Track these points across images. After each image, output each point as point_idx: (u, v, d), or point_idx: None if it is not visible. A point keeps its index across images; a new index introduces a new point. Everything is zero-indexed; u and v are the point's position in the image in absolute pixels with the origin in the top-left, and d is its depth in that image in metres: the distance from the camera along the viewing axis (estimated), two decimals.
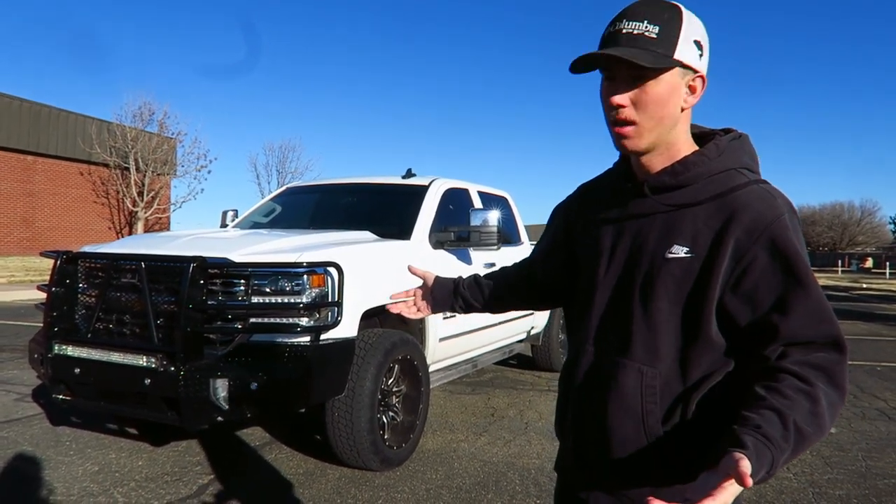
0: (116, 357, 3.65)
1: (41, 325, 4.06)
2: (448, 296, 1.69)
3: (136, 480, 3.76)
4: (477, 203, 5.84)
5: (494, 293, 1.70)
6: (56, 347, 3.82)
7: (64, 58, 61.93)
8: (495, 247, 5.01)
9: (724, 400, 1.20)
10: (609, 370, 1.28)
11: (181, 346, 3.44)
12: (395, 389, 4.18)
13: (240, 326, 3.57)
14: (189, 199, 26.93)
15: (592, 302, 1.34)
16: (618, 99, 1.20)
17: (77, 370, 3.74)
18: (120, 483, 3.71)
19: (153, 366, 3.51)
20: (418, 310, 1.71)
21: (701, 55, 1.22)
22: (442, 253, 4.91)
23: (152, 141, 24.62)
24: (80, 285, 4.01)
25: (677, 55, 1.18)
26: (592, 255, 1.37)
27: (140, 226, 24.51)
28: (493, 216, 4.94)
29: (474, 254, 5.28)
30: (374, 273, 4.14)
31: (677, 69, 1.19)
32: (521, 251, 6.46)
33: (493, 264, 5.57)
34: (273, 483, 3.79)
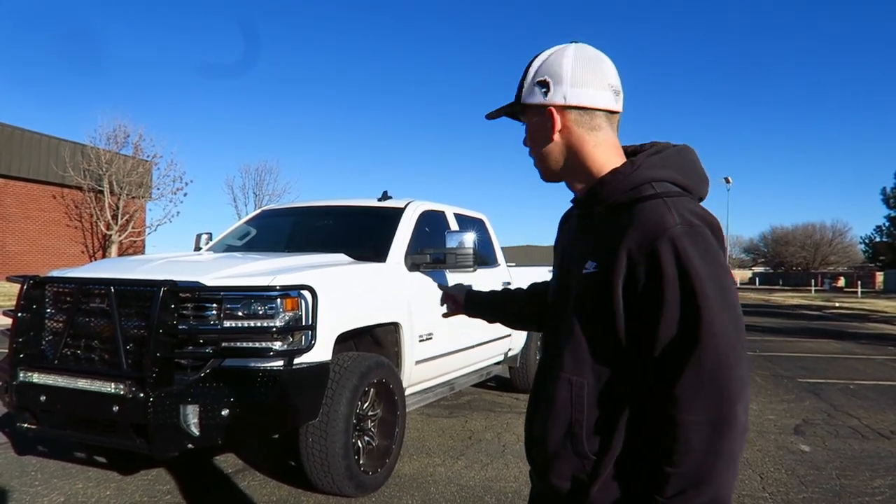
0: (84, 384, 3.57)
1: (6, 351, 3.97)
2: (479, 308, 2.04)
3: None
4: (453, 225, 5.85)
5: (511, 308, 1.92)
6: (21, 375, 3.73)
7: (37, 77, 61.32)
8: (471, 269, 5.01)
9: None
10: (549, 382, 1.36)
11: (150, 372, 3.37)
12: (370, 413, 4.13)
13: (211, 351, 3.51)
14: (165, 222, 26.68)
15: (547, 321, 1.48)
16: (525, 142, 1.43)
17: (43, 398, 3.64)
18: None
19: (122, 392, 3.44)
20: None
21: (546, 92, 1.35)
22: (418, 275, 4.89)
23: (127, 164, 24.38)
24: (48, 310, 3.93)
25: (524, 99, 1.39)
26: (553, 270, 1.54)
27: (114, 249, 24.16)
28: (470, 238, 4.94)
29: (450, 276, 5.27)
30: (349, 296, 4.11)
31: (536, 109, 1.37)
32: (497, 273, 6.47)
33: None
34: None
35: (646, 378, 1.21)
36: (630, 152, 1.38)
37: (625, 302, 1.21)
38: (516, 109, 1.42)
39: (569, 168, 1.38)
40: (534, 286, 1.87)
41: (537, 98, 1.36)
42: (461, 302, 2.07)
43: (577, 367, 1.29)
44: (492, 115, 1.47)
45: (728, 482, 1.14)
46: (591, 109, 1.34)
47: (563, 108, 1.34)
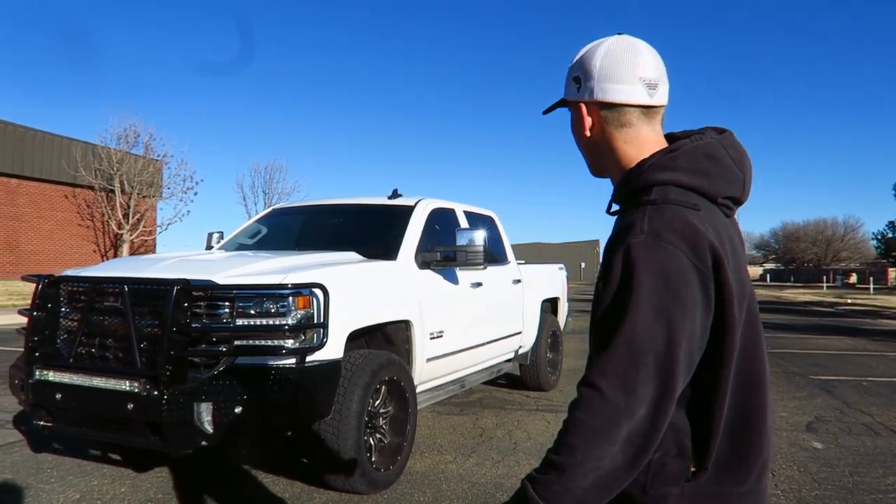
0: (99, 382, 3.61)
1: (22, 350, 4.01)
2: None
3: None
4: (463, 223, 5.86)
5: None
6: (37, 373, 3.77)
7: (49, 78, 61.74)
8: (482, 266, 5.02)
9: None
10: None
11: (164, 370, 3.40)
12: (381, 411, 4.15)
13: (224, 349, 3.54)
14: (175, 221, 26.83)
15: None
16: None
17: (59, 396, 3.68)
18: None
19: (136, 390, 3.47)
20: None
21: (579, 88, 1.33)
22: (428, 273, 4.91)
23: (138, 163, 24.54)
24: (63, 309, 3.97)
25: (564, 95, 1.38)
26: None
27: (125, 248, 24.32)
28: (480, 236, 4.95)
29: (461, 273, 5.28)
30: (360, 294, 4.13)
31: (572, 105, 1.36)
32: (507, 270, 6.47)
33: (479, 283, 5.58)
34: None
35: None
36: (677, 138, 1.33)
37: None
38: (550, 108, 1.42)
39: (604, 164, 1.36)
40: None
41: (572, 94, 1.35)
42: None
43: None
44: (546, 111, 1.45)
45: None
46: (619, 105, 1.29)
47: (593, 105, 1.31)
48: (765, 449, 1.26)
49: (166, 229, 27.20)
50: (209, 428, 3.39)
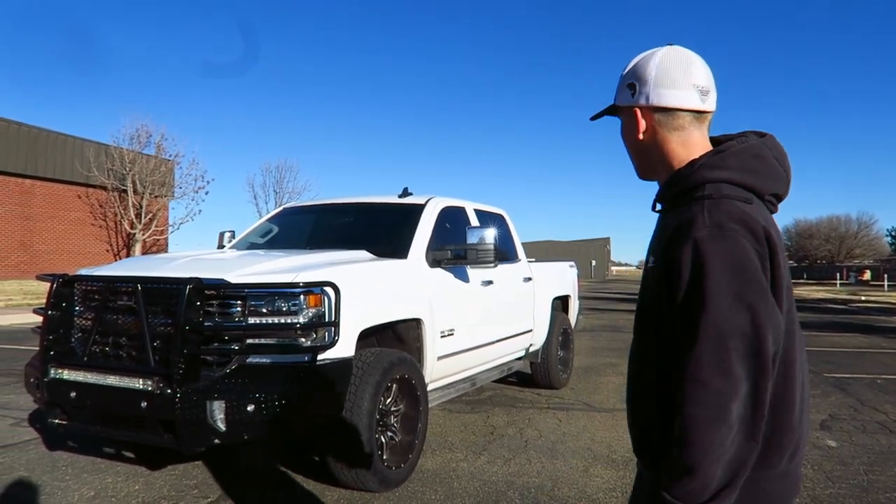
0: (113, 380, 3.64)
1: (37, 348, 4.05)
2: None
3: None
4: (473, 221, 5.85)
5: None
6: (52, 371, 3.81)
7: (62, 79, 62.24)
8: (492, 264, 5.02)
9: None
10: (633, 368, 1.47)
11: (178, 369, 3.43)
12: (393, 409, 4.15)
13: (237, 348, 3.55)
14: (187, 220, 26.94)
15: None
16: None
17: (73, 394, 3.72)
18: None
19: (150, 388, 3.50)
20: None
21: (633, 93, 1.42)
22: (439, 271, 4.91)
23: (150, 163, 24.68)
24: (77, 308, 4.01)
25: (616, 101, 1.47)
26: None
27: (138, 248, 24.48)
28: (490, 234, 4.95)
29: (472, 271, 5.28)
30: (372, 292, 4.14)
31: (625, 110, 1.45)
32: (518, 268, 6.46)
33: (490, 282, 5.57)
34: None
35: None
36: (720, 141, 1.42)
37: (666, 296, 1.28)
38: (602, 113, 1.52)
39: (655, 166, 1.45)
40: None
41: (626, 99, 1.44)
42: None
43: (643, 356, 1.40)
44: (595, 117, 1.55)
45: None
46: (673, 110, 1.39)
47: (647, 109, 1.41)
48: (796, 430, 1.31)
49: (178, 228, 27.37)
50: (222, 426, 3.41)
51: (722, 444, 1.15)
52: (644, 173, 1.49)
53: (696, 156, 1.37)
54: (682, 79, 1.37)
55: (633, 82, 1.42)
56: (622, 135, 1.48)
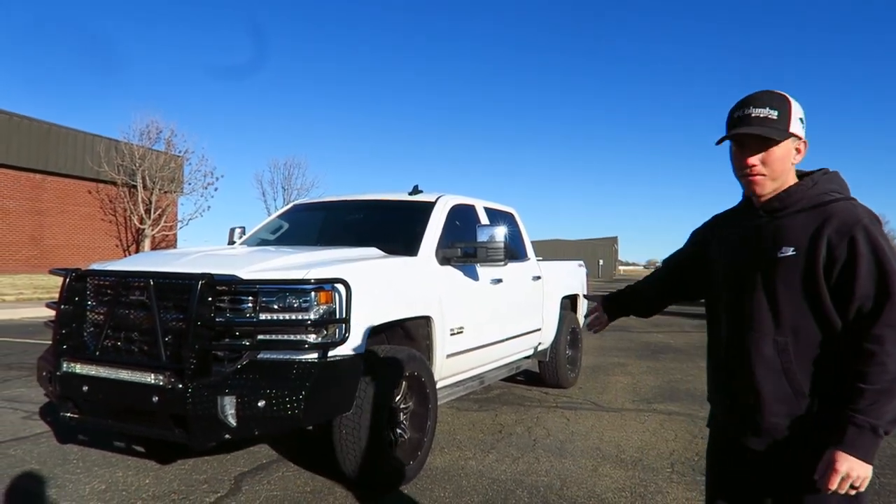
0: (124, 375, 3.66)
1: (49, 342, 4.07)
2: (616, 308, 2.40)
3: (142, 499, 3.74)
4: (483, 219, 5.85)
5: (645, 295, 2.34)
6: (64, 365, 3.83)
7: (73, 75, 62.60)
8: (502, 262, 5.01)
9: (840, 363, 1.67)
10: (748, 342, 1.79)
11: (189, 364, 3.44)
12: (402, 406, 4.16)
13: (248, 343, 3.57)
14: (196, 216, 27.05)
15: (724, 293, 1.91)
16: (752, 160, 1.78)
17: (85, 388, 3.74)
18: (127, 501, 3.70)
19: (161, 383, 3.52)
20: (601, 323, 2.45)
21: (803, 128, 1.81)
22: (449, 269, 4.91)
23: (159, 159, 24.79)
24: (89, 303, 4.03)
25: (791, 129, 1.77)
26: (724, 259, 1.94)
27: (147, 243, 24.61)
28: (500, 232, 4.94)
29: (481, 269, 5.28)
30: (382, 290, 4.14)
31: (790, 138, 1.78)
32: (527, 267, 6.45)
33: (499, 280, 5.57)
34: (280, 501, 3.77)
35: (835, 328, 1.68)
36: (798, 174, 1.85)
37: (825, 274, 1.67)
38: (775, 136, 1.75)
39: (782, 183, 1.81)
40: (667, 267, 2.30)
41: (799, 131, 1.79)
42: (603, 318, 2.44)
43: (779, 329, 1.74)
44: (772, 141, 1.78)
45: None
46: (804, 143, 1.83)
47: (803, 141, 1.82)
48: None
49: (187, 224, 27.48)
50: (233, 421, 3.42)
51: None
52: (772, 191, 1.80)
53: (794, 175, 1.82)
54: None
55: (802, 117, 1.81)
56: (773, 157, 1.76)
